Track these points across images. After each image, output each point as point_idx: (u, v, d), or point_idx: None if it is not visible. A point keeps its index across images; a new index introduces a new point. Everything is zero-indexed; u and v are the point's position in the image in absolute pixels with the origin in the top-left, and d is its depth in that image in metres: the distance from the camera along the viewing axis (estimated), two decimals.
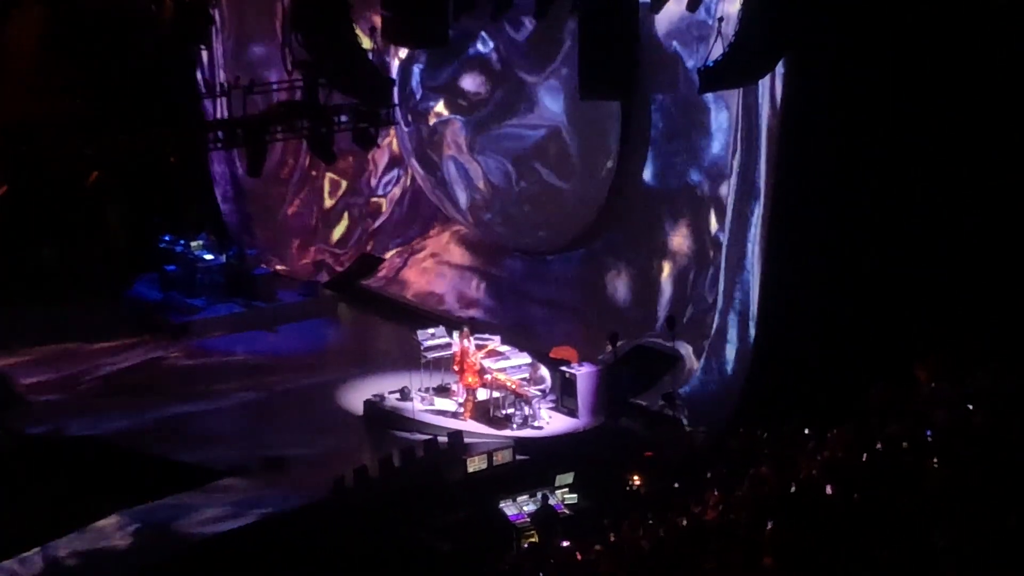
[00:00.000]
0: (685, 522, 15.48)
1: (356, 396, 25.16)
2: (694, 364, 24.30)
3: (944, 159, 20.97)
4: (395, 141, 31.53)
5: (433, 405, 24.21)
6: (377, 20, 26.39)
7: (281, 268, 32.11)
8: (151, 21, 28.29)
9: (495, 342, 24.30)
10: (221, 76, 30.84)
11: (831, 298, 21.87)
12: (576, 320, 27.20)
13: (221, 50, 31.50)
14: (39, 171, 29.08)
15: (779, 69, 21.69)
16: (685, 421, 23.27)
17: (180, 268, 30.04)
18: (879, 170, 21.45)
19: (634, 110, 25.77)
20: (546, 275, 28.57)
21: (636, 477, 20.42)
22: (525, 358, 24.08)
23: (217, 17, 30.95)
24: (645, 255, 26.46)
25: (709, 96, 24.24)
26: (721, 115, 24.56)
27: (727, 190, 23.60)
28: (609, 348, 24.38)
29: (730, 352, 23.33)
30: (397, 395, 24.43)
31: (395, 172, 32.32)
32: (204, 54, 31.28)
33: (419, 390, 24.40)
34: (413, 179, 31.59)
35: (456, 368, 23.96)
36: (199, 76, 31.44)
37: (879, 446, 15.58)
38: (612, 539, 16.13)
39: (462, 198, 29.37)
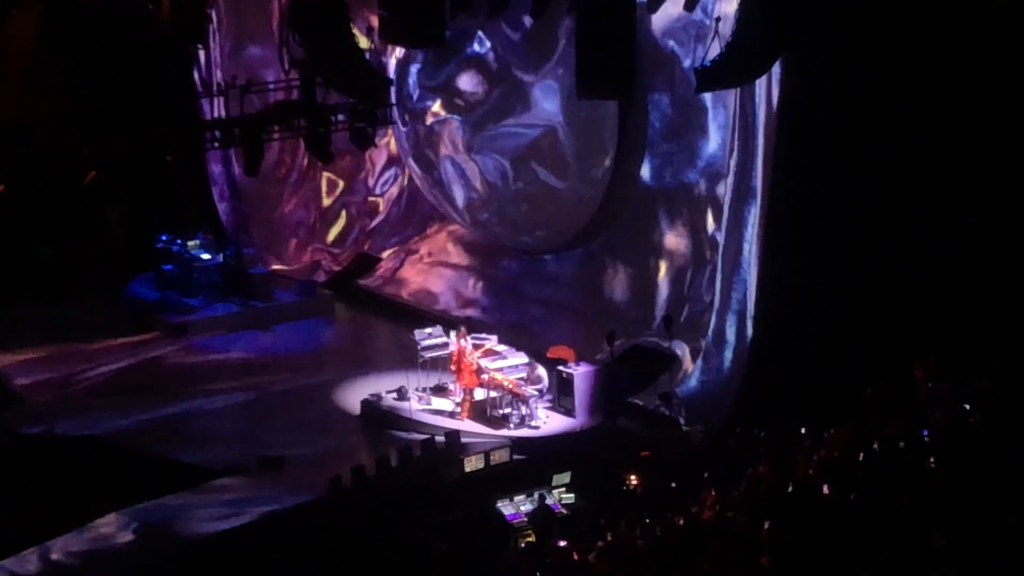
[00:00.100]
0: (682, 522, 15.49)
1: (353, 396, 25.16)
2: (691, 364, 24.30)
3: (942, 158, 20.98)
4: (393, 141, 31.54)
5: (430, 405, 24.20)
6: (374, 20, 26.42)
7: (278, 268, 32.08)
8: (149, 21, 28.37)
9: (492, 342, 24.29)
10: (218, 76, 30.80)
11: (828, 298, 21.87)
12: (573, 320, 27.20)
13: (218, 50, 31.47)
14: (37, 170, 29.14)
15: (776, 69, 21.69)
16: (682, 421, 23.28)
17: (177, 268, 30.02)
18: (877, 170, 21.46)
19: (631, 110, 25.76)
20: (543, 275, 28.58)
21: (633, 477, 20.39)
22: (522, 358, 24.09)
23: (214, 17, 30.97)
24: (642, 255, 26.47)
25: (706, 96, 24.26)
26: (718, 115, 24.56)
27: (724, 190, 23.60)
28: (606, 348, 24.37)
29: (727, 352, 23.33)
30: (394, 395, 24.44)
31: (392, 171, 32.34)
32: (201, 54, 31.23)
33: (416, 390, 24.40)
34: (410, 178, 31.60)
35: (453, 368, 23.96)
36: (196, 76, 31.41)
37: (876, 446, 15.59)
38: (609, 539, 16.13)
39: (459, 198, 29.37)
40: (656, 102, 25.79)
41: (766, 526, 13.90)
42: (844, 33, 21.11)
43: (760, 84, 22.09)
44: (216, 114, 29.74)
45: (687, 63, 24.54)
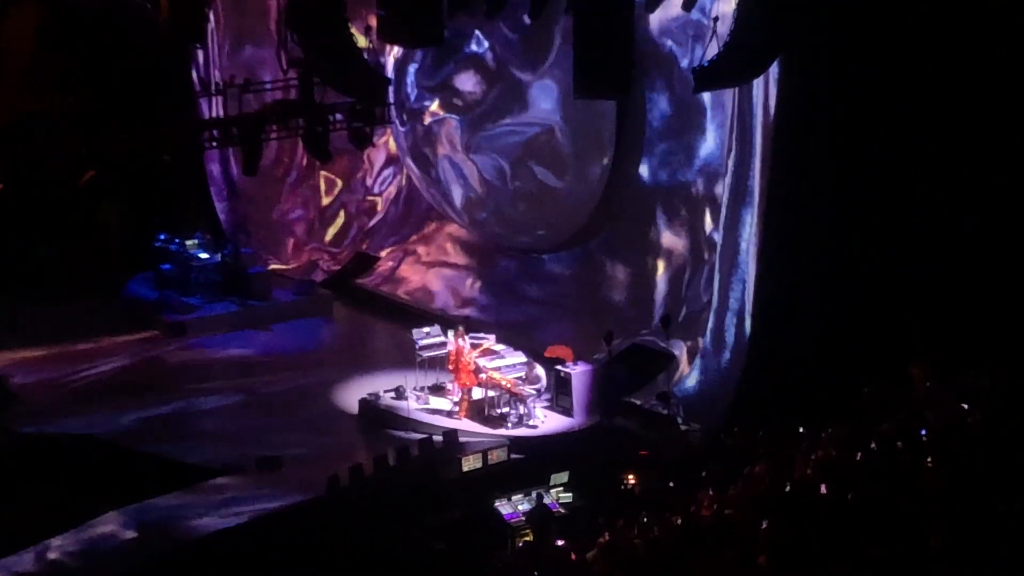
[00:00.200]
0: (680, 521, 15.50)
1: (351, 395, 25.16)
2: (689, 363, 24.30)
3: (939, 158, 21.00)
4: (391, 140, 31.55)
5: (428, 404, 24.20)
6: (372, 19, 26.40)
7: (276, 267, 32.06)
8: (147, 20, 28.35)
9: (490, 341, 24.30)
10: (217, 75, 30.79)
11: (826, 297, 21.88)
12: (571, 319, 27.19)
13: (217, 49, 31.46)
14: (35, 169, 29.14)
15: (774, 68, 21.69)
16: (680, 420, 23.28)
17: (175, 267, 30.01)
18: (874, 169, 21.47)
19: (629, 109, 25.79)
20: (541, 274, 28.59)
21: (631, 476, 20.40)
22: (520, 357, 24.08)
23: (212, 16, 30.97)
24: (640, 254, 26.48)
25: (704, 95, 24.28)
26: (716, 114, 24.58)
27: (722, 189, 23.59)
28: (604, 347, 24.38)
29: (725, 351, 23.31)
30: (392, 394, 24.44)
31: (391, 171, 32.36)
32: (200, 53, 31.22)
33: (414, 389, 24.41)
34: (408, 178, 31.61)
35: (451, 367, 23.98)
36: (195, 75, 31.38)
37: (874, 445, 15.61)
38: (607, 538, 16.15)
39: (457, 197, 29.38)
40: (654, 102, 25.81)
41: (764, 525, 13.92)
42: (842, 32, 21.12)
43: (758, 84, 22.08)
44: (214, 114, 29.75)
45: (685, 63, 24.58)
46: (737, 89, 22.53)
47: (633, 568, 14.91)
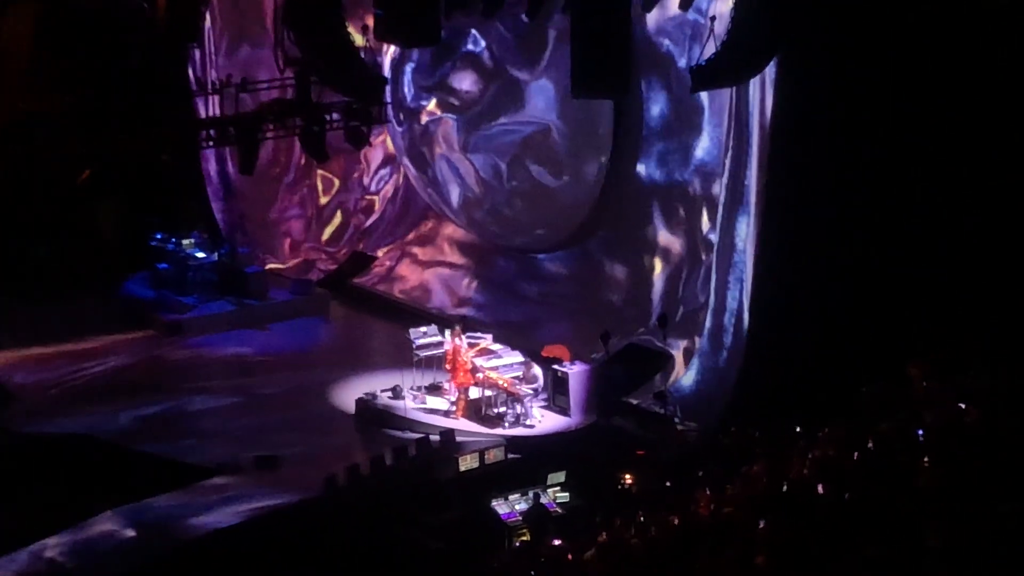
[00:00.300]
0: (677, 521, 15.50)
1: (348, 394, 25.15)
2: (686, 363, 24.32)
3: (937, 157, 21.00)
4: (388, 139, 31.55)
5: (425, 403, 24.19)
6: (369, 18, 26.39)
7: (273, 266, 32.07)
8: (144, 20, 28.31)
9: (487, 340, 24.30)
10: (213, 74, 30.80)
11: (823, 296, 21.89)
12: (568, 318, 27.21)
13: (213, 48, 31.46)
14: (32, 169, 29.11)
15: (771, 68, 21.70)
16: (677, 420, 23.29)
17: (172, 266, 30.01)
18: (872, 168, 21.48)
19: (626, 109, 25.79)
20: (538, 273, 28.60)
21: (628, 476, 20.42)
22: (517, 356, 24.08)
23: (209, 15, 30.95)
24: (637, 253, 26.49)
25: (702, 95, 24.30)
26: (714, 114, 24.58)
27: (719, 189, 23.61)
28: (602, 347, 24.38)
29: (723, 350, 23.33)
30: (389, 393, 24.43)
31: (387, 170, 32.37)
32: (196, 52, 31.21)
33: (411, 388, 24.41)
34: (406, 177, 31.62)
35: (448, 366, 23.98)
36: (191, 74, 31.38)
37: (871, 445, 15.60)
38: (604, 538, 16.14)
39: (454, 197, 29.38)
40: (651, 101, 25.81)
41: (761, 525, 13.91)
42: (839, 32, 21.13)
43: (755, 83, 22.10)
44: (211, 113, 29.72)
45: (682, 62, 24.59)
46: (734, 88, 22.55)
47: (630, 568, 14.90)
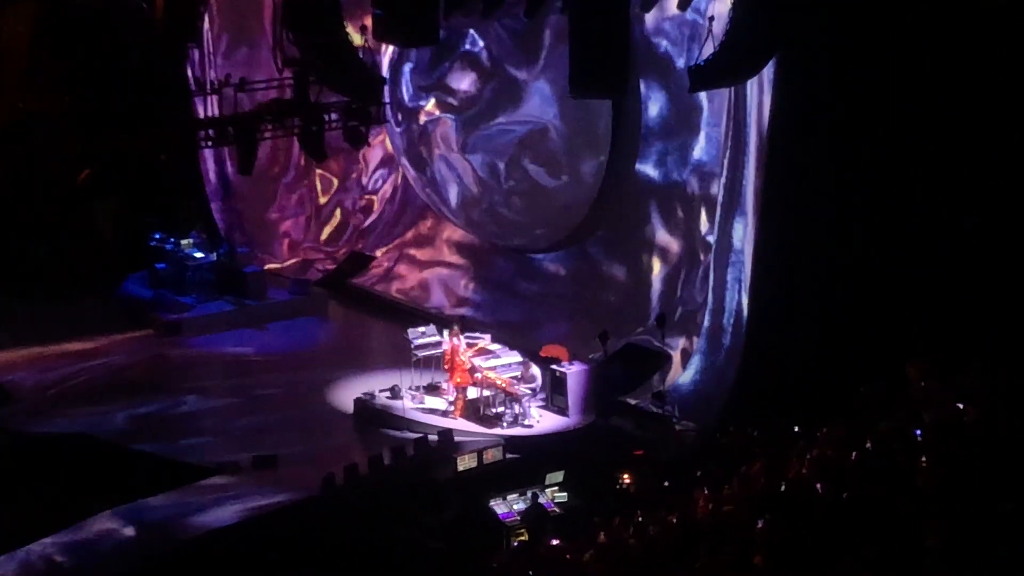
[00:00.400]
0: (675, 521, 15.49)
1: (346, 394, 25.15)
2: (684, 362, 24.32)
3: (936, 157, 20.99)
4: (386, 139, 31.54)
5: (423, 403, 24.20)
6: (368, 18, 26.38)
7: (272, 266, 32.08)
8: (143, 19, 28.33)
9: (485, 340, 24.30)
10: (212, 74, 30.81)
11: (821, 296, 21.89)
12: (566, 318, 27.21)
13: (212, 48, 31.47)
14: (31, 168, 29.12)
15: (769, 68, 21.71)
16: (675, 419, 23.29)
17: (171, 266, 30.01)
18: (871, 168, 21.47)
19: (624, 108, 25.77)
20: (537, 273, 28.60)
21: (626, 475, 20.43)
22: (515, 356, 24.09)
23: (207, 15, 30.97)
24: (635, 253, 26.49)
25: (700, 95, 24.31)
26: (712, 114, 24.59)
27: (717, 188, 23.62)
28: (600, 347, 24.38)
29: (721, 350, 23.34)
30: (387, 393, 24.43)
31: (386, 170, 32.37)
32: (195, 52, 31.23)
33: (409, 388, 24.40)
34: (404, 177, 31.61)
35: (446, 366, 23.97)
36: (190, 74, 31.40)
37: (869, 445, 15.60)
38: (602, 538, 16.14)
39: (453, 197, 29.38)
40: (650, 101, 25.81)
41: (760, 525, 13.91)
42: (837, 32, 21.13)
43: (753, 84, 22.12)
44: (209, 113, 29.75)
45: (681, 62, 24.59)
46: (733, 89, 22.56)
47: (628, 568, 14.89)
